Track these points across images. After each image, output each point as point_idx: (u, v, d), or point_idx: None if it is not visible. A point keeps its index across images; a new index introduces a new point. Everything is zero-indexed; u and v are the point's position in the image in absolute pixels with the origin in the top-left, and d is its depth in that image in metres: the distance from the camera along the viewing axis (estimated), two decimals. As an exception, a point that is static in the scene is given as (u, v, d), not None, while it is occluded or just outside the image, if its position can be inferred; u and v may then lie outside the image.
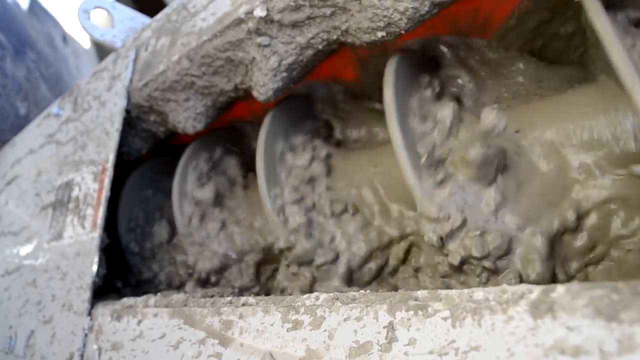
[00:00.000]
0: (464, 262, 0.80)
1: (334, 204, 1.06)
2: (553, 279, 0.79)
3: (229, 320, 0.79)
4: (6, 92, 2.39)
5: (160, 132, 1.40)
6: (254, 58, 1.03)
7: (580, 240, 0.82)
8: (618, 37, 0.65)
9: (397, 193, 1.02)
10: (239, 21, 0.99)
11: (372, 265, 1.02)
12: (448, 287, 0.86)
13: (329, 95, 1.21)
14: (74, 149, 1.48)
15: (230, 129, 1.46)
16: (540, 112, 0.88)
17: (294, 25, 0.95)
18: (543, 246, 0.78)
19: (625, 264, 0.80)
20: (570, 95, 0.86)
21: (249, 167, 1.43)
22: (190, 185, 1.33)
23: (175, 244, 1.53)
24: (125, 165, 1.51)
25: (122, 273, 1.55)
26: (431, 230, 0.81)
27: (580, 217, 0.81)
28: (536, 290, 0.50)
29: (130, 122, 1.37)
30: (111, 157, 1.26)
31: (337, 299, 0.67)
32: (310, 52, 0.98)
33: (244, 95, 1.17)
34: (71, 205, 1.38)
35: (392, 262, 1.02)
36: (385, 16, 0.83)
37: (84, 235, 1.25)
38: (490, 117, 0.84)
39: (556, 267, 0.80)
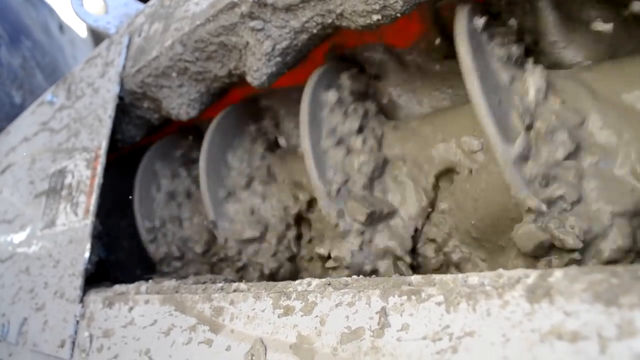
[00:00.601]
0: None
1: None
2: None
3: (219, 307, 0.78)
4: (1, 80, 2.37)
5: (154, 119, 1.39)
6: (247, 42, 1.01)
7: None
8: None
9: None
10: (232, 5, 0.98)
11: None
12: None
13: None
14: (68, 136, 1.47)
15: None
16: None
17: (288, 8, 0.93)
18: None
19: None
20: None
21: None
22: None
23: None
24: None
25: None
26: None
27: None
28: (533, 275, 0.48)
29: (124, 109, 1.36)
30: (104, 143, 1.25)
31: (329, 285, 0.66)
32: (304, 36, 0.97)
33: (238, 81, 1.15)
34: (64, 193, 1.36)
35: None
36: (380, -2, 0.82)
37: (76, 223, 1.24)
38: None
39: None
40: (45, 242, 1.36)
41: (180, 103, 1.22)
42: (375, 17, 0.84)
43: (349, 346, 0.58)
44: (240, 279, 1.22)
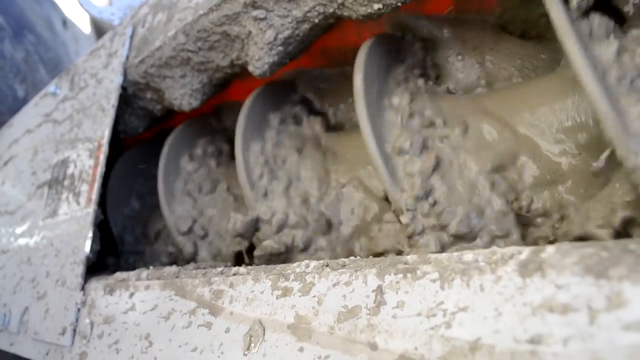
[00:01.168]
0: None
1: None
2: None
3: (219, 290, 0.79)
4: (4, 73, 2.39)
5: (156, 110, 1.39)
6: (250, 32, 1.02)
7: None
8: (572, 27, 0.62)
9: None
10: (236, -6, 0.99)
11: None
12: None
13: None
14: (70, 126, 1.48)
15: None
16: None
17: (291, -3, 0.94)
18: None
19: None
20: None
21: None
22: None
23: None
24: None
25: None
26: None
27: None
28: (526, 251, 0.49)
29: (127, 99, 1.37)
30: (106, 133, 1.26)
31: (327, 266, 0.67)
32: (306, 26, 0.98)
33: (241, 71, 1.16)
34: (66, 183, 1.37)
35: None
36: (380, -13, 0.83)
37: (78, 212, 1.25)
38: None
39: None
40: (47, 231, 1.37)
41: (182, 93, 1.23)
42: (376, 6, 0.85)
43: (346, 324, 0.59)
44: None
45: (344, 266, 0.65)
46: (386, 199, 0.94)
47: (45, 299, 1.24)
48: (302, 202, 1.04)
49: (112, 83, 1.32)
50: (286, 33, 0.99)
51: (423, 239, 0.80)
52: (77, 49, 3.23)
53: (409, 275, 0.56)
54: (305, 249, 1.01)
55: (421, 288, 0.54)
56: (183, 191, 1.33)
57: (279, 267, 0.74)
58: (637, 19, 0.72)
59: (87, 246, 1.16)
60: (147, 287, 0.95)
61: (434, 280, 0.54)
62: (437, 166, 0.84)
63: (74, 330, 1.09)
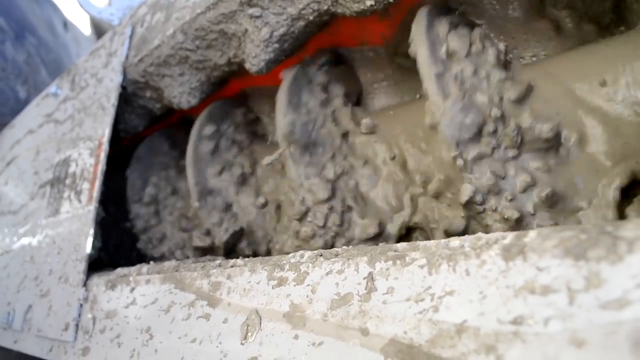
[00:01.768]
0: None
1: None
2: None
3: (217, 282, 0.81)
4: (6, 75, 2.41)
5: (156, 109, 1.41)
6: (246, 30, 1.04)
7: None
8: None
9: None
10: (232, -7, 1.01)
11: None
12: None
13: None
14: (72, 126, 1.49)
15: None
16: None
17: (285, -5, 0.96)
18: None
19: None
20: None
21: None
22: None
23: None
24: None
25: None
26: None
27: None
28: (510, 236, 0.51)
29: (127, 98, 1.39)
30: (107, 131, 1.28)
31: (320, 255, 0.69)
32: (301, 23, 0.99)
33: (238, 70, 1.18)
34: (68, 181, 1.39)
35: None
36: (372, -16, 0.84)
37: (80, 209, 1.27)
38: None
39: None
40: (50, 230, 1.39)
41: (181, 92, 1.25)
42: (368, 3, 0.87)
43: (339, 311, 0.61)
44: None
45: (337, 255, 0.67)
46: None
47: (49, 297, 1.26)
48: None
49: (112, 82, 1.34)
50: (281, 30, 1.00)
51: None
52: (78, 51, 3.25)
53: (398, 262, 0.58)
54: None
55: (410, 274, 0.56)
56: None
57: (275, 258, 0.76)
58: None
59: (89, 243, 1.18)
60: (147, 282, 0.97)
61: (422, 266, 0.55)
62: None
63: (77, 326, 1.11)
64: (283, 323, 0.67)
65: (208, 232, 1.30)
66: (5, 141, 2.07)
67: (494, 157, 0.83)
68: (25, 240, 1.53)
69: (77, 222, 1.26)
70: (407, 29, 0.90)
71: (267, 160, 1.05)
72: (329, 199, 1.01)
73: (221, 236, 1.23)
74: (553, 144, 0.83)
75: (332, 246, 1.01)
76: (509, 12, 0.95)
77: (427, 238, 0.99)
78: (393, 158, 1.05)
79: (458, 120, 0.81)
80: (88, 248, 1.17)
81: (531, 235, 0.49)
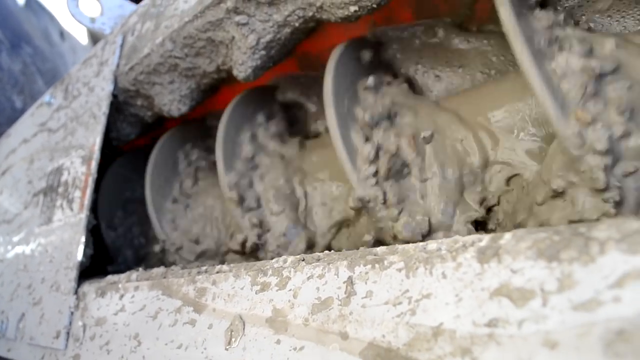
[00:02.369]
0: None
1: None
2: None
3: (203, 288, 0.81)
4: (2, 84, 2.42)
5: (147, 117, 1.42)
6: (233, 37, 1.04)
7: None
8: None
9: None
10: (219, 0, 1.01)
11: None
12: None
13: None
14: (65, 135, 1.50)
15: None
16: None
17: (271, 2, 0.96)
18: None
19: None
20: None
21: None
22: None
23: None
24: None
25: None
26: None
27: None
28: (486, 238, 0.51)
29: (118, 107, 1.39)
30: (98, 140, 1.28)
31: (302, 260, 0.69)
32: (287, 30, 1.00)
33: (227, 77, 1.19)
34: (61, 190, 1.39)
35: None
36: (356, -10, 0.85)
37: (72, 217, 1.27)
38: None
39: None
40: (42, 238, 1.39)
41: (171, 99, 1.26)
42: (352, 9, 0.87)
43: (319, 316, 0.61)
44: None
45: (318, 260, 0.67)
46: None
47: (41, 305, 1.26)
48: None
49: (103, 91, 1.34)
50: (268, 37, 1.01)
51: None
52: (75, 60, 3.26)
53: (377, 265, 0.58)
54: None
55: (388, 277, 0.56)
56: None
57: (259, 263, 0.76)
58: None
59: (80, 251, 1.18)
60: (136, 288, 0.97)
61: (399, 270, 0.55)
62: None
63: (68, 334, 1.11)
64: (266, 328, 0.67)
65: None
66: (1, 150, 2.07)
67: None
68: (19, 249, 1.53)
69: (69, 230, 1.26)
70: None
71: None
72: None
73: None
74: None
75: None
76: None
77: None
78: None
79: None
80: (79, 256, 1.17)
81: (506, 237, 0.49)
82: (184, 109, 1.26)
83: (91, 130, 1.33)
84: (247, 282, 0.74)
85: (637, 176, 0.63)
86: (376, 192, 0.85)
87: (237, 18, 1.00)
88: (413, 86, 1.06)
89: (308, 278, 0.65)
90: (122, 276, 1.06)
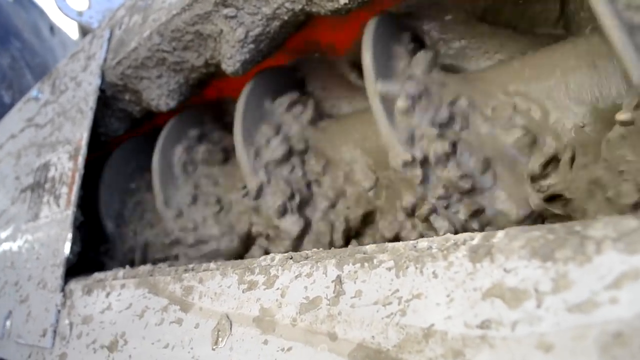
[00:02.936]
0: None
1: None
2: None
3: (189, 286, 0.79)
4: (-10, 79, 2.39)
5: (135, 112, 1.40)
6: (221, 30, 1.03)
7: None
8: None
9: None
10: (207, -7, 0.99)
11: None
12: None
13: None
14: (52, 130, 1.48)
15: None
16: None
17: (260, -5, 0.95)
18: None
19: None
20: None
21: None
22: None
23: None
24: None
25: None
26: None
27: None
28: (477, 237, 0.49)
29: (106, 102, 1.37)
30: (85, 135, 1.26)
31: (290, 258, 0.67)
32: (276, 23, 0.98)
33: (216, 72, 1.17)
34: (47, 186, 1.37)
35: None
36: (345, -18, 0.83)
37: (58, 214, 1.25)
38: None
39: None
40: (29, 235, 1.37)
41: (159, 94, 1.23)
42: (342, 1, 0.86)
43: (307, 316, 0.60)
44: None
45: (306, 258, 0.66)
46: None
47: (28, 302, 1.24)
48: None
49: (91, 85, 1.32)
50: (257, 31, 0.99)
51: None
52: (65, 55, 3.22)
53: (366, 264, 0.56)
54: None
55: (378, 277, 0.55)
56: None
57: (246, 261, 0.75)
58: None
59: (67, 248, 1.16)
60: (122, 286, 0.96)
61: (389, 269, 0.54)
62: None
63: (54, 332, 1.09)
64: (253, 328, 0.66)
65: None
66: (-12, 146, 2.05)
67: None
68: (6, 246, 1.51)
69: (55, 227, 1.24)
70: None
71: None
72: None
73: None
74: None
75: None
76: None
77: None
78: None
79: None
80: (66, 253, 1.15)
81: (499, 235, 0.48)
82: (172, 103, 1.24)
83: (78, 126, 1.31)
84: (234, 280, 0.72)
85: None
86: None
87: (226, 11, 0.98)
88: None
89: (296, 277, 0.64)
90: (109, 274, 1.04)
